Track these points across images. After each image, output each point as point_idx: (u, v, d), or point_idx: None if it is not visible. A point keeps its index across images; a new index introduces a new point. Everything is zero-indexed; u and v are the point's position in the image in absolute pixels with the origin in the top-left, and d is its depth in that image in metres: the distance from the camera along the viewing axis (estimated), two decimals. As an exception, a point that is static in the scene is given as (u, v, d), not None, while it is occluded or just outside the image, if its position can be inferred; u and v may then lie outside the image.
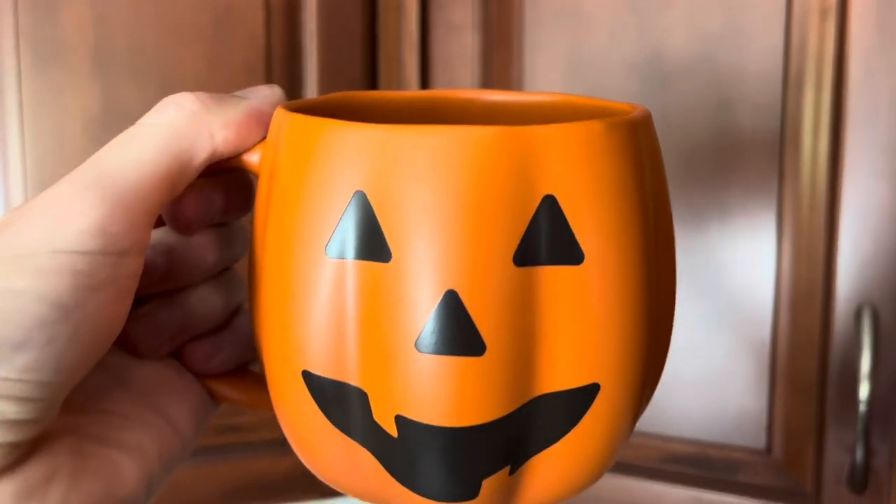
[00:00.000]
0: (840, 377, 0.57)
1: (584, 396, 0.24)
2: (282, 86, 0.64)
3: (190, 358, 0.29)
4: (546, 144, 0.23)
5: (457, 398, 0.23)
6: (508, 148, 0.23)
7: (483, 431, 0.24)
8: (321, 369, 0.24)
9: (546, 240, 0.23)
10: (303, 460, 0.27)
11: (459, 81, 0.65)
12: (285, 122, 0.25)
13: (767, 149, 0.57)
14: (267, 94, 0.28)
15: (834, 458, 0.57)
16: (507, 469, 0.25)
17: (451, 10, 0.65)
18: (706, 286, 0.60)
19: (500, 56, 0.64)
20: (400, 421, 0.24)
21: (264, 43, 0.63)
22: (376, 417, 0.24)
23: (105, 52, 0.60)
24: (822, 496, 0.58)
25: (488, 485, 0.25)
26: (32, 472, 0.24)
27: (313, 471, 0.27)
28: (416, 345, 0.23)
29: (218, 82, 0.62)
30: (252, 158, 0.28)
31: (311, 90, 0.64)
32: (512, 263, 0.23)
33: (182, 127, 0.26)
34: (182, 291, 0.29)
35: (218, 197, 0.29)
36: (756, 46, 0.57)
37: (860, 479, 0.54)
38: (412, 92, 0.32)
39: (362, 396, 0.24)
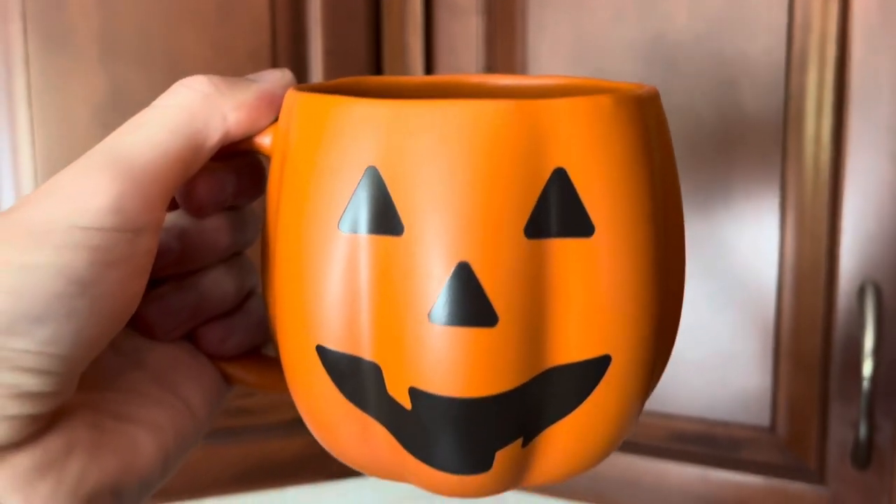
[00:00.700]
0: (843, 355, 0.57)
1: (595, 368, 0.25)
2: (286, 71, 0.64)
3: (203, 340, 0.30)
4: (556, 118, 0.23)
5: (470, 369, 0.24)
6: (519, 121, 0.23)
7: (496, 402, 0.24)
8: (335, 344, 0.25)
9: (556, 212, 0.23)
10: (317, 437, 0.27)
11: (464, 65, 0.65)
12: (297, 102, 0.26)
13: (771, 128, 0.58)
14: (278, 76, 0.29)
15: (838, 434, 0.58)
16: (519, 441, 0.25)
17: (454, -7, 0.65)
18: (710, 266, 0.60)
19: (504, 39, 0.64)
20: (413, 393, 0.24)
21: (269, 28, 0.63)
22: (390, 390, 0.24)
23: (112, 37, 0.60)
24: (826, 472, 0.59)
25: (501, 457, 0.25)
26: (51, 444, 0.24)
27: (327, 448, 0.27)
28: (429, 316, 0.23)
29: (224, 67, 0.62)
30: (264, 141, 0.28)
31: (316, 75, 0.64)
32: (523, 235, 0.23)
33: (195, 109, 0.26)
34: (195, 274, 0.29)
35: (230, 180, 0.29)
36: (759, 26, 0.57)
37: (864, 456, 0.54)
38: (421, 77, 0.32)
39: (376, 370, 0.25)
